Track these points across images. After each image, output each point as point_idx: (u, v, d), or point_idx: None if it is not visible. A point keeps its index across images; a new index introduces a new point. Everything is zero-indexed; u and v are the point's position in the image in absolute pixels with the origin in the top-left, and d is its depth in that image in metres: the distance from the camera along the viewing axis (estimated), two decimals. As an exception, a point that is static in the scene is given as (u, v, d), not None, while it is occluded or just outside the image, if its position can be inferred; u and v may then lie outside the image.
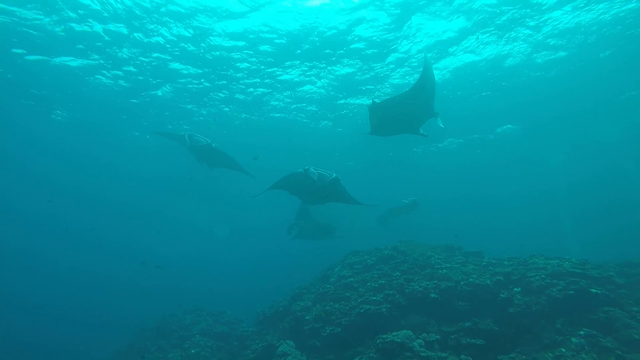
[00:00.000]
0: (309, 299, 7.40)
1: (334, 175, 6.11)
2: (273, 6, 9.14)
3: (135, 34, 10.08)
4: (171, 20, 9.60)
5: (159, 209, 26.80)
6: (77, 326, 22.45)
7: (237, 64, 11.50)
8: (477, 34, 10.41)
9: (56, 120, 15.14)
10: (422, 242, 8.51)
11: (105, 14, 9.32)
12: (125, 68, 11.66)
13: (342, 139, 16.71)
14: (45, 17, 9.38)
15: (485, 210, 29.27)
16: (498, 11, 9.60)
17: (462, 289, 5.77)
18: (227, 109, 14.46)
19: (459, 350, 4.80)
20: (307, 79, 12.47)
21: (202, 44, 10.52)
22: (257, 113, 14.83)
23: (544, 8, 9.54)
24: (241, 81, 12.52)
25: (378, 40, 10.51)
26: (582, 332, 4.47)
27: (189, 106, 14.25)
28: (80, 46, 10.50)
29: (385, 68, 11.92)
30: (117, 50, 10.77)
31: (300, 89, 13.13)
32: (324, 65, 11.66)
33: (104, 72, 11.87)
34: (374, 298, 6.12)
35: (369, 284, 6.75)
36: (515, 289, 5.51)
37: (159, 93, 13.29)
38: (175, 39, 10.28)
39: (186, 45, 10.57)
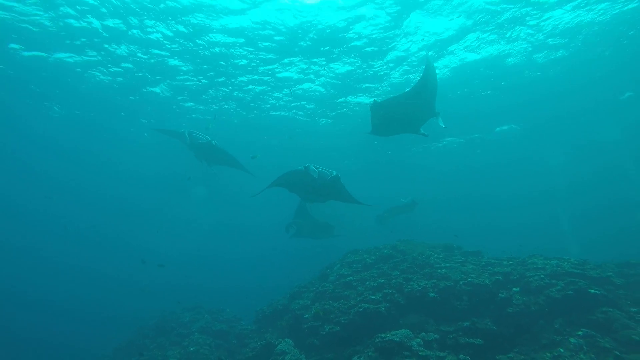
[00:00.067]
0: (308, 298, 7.40)
1: (335, 173, 6.09)
2: (272, 3, 9.10)
3: (134, 31, 10.03)
4: (169, 17, 9.54)
5: (159, 207, 26.78)
6: (78, 323, 22.51)
7: (236, 61, 11.45)
8: (478, 32, 10.37)
9: (54, 116, 15.09)
10: (422, 241, 8.51)
11: (103, 10, 9.26)
12: (123, 65, 11.60)
13: (341, 138, 16.68)
14: (44, 13, 9.32)
15: (484, 209, 29.29)
16: (499, 9, 9.56)
17: (461, 289, 5.77)
18: (226, 106, 14.42)
19: (457, 349, 4.80)
20: (306, 76, 12.44)
21: (201, 41, 10.47)
22: (256, 111, 14.79)
23: (545, 7, 9.50)
24: (240, 78, 12.48)
25: (377, 38, 10.47)
26: (580, 333, 4.47)
27: (188, 104, 14.21)
28: (78, 42, 10.44)
29: (384, 66, 11.88)
30: (115, 47, 10.71)
31: (300, 86, 13.09)
32: (324, 62, 11.62)
33: (102, 68, 11.81)
34: (373, 297, 6.12)
35: (368, 282, 6.75)
36: (514, 289, 5.51)
37: (157, 90, 13.24)
38: (174, 35, 10.23)
39: (185, 42, 10.52)
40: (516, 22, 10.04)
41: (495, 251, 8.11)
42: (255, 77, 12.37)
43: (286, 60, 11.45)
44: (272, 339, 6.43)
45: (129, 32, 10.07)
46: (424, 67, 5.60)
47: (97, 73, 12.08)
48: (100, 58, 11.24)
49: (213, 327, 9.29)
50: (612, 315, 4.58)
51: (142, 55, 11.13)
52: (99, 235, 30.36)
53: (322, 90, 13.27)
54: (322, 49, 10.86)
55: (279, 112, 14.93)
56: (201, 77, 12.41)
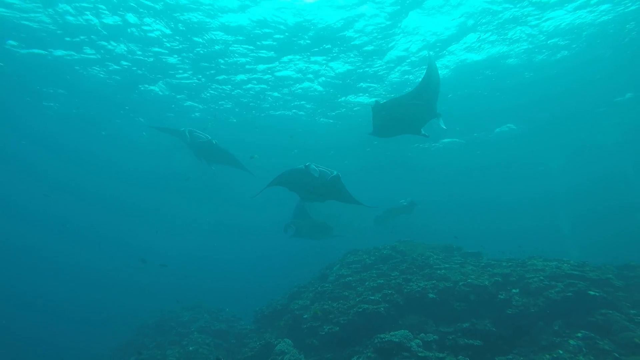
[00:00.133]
0: (307, 298, 7.39)
1: (335, 172, 6.07)
2: (272, 2, 9.07)
3: (132, 29, 10.00)
4: (168, 15, 9.51)
5: (158, 206, 26.76)
6: (78, 323, 22.52)
7: (236, 59, 11.43)
8: (479, 32, 10.36)
9: (52, 114, 15.06)
10: (421, 242, 8.50)
11: (102, 7, 9.23)
12: (122, 62, 11.57)
13: (340, 138, 16.66)
14: (43, 10, 9.29)
15: (484, 210, 29.28)
16: (500, 9, 9.54)
17: (460, 290, 5.76)
18: (225, 105, 14.40)
19: (456, 350, 4.80)
20: (305, 76, 12.42)
21: (200, 39, 10.45)
22: (255, 110, 14.77)
23: (545, 7, 9.49)
24: (239, 77, 12.46)
25: (377, 37, 10.44)
26: (579, 334, 4.47)
27: (187, 103, 14.19)
28: (77, 39, 10.41)
29: (384, 66, 11.86)
30: (114, 45, 10.68)
31: (299, 86, 13.07)
32: (323, 61, 11.60)
33: (101, 66, 11.79)
34: (372, 297, 6.11)
35: (367, 283, 6.74)
36: (514, 290, 5.51)
37: (156, 89, 13.22)
38: (173, 33, 10.20)
39: (184, 40, 10.49)
40: (517, 22, 10.02)
41: (494, 252, 8.11)
42: (255, 75, 12.35)
43: (285, 59, 11.43)
44: (272, 339, 6.42)
45: (128, 30, 10.03)
46: (425, 67, 5.58)
47: (95, 70, 12.03)
48: (99, 56, 11.21)
49: (212, 326, 9.29)
50: (611, 317, 4.57)
51: (140, 53, 11.11)
52: (98, 235, 30.34)
53: (322, 89, 13.25)
54: (321, 47, 10.84)
55: (278, 112, 14.91)
56: (200, 76, 12.40)
